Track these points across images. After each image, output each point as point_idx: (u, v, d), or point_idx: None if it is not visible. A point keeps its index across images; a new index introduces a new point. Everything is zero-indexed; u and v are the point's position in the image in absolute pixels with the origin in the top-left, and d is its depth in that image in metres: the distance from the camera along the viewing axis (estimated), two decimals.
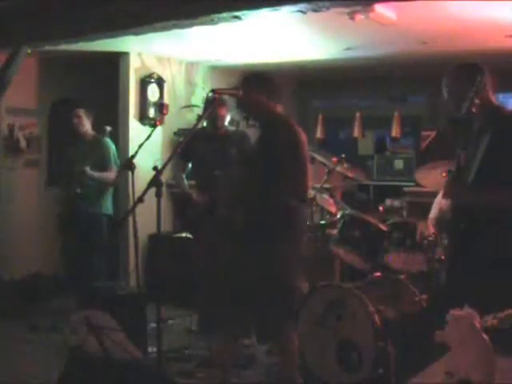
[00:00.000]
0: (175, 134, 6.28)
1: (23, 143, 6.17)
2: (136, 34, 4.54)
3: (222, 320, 3.48)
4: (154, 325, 3.18)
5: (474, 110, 2.58)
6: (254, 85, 3.41)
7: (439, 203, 4.05)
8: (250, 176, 3.36)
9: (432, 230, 3.74)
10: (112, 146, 5.25)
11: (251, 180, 3.33)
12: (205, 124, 4.74)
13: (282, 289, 3.26)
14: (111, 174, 5.11)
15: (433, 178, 3.43)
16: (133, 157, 3.69)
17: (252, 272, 3.26)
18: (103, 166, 5.14)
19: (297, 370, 3.40)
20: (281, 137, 3.24)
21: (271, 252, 3.24)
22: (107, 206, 5.25)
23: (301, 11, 3.71)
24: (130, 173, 3.71)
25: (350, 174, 4.50)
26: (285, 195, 3.25)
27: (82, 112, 5.21)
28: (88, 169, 4.98)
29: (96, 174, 5.06)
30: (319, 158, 4.43)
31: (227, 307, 3.39)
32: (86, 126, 5.24)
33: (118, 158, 5.28)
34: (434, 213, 4.13)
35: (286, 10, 3.72)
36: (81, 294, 4.77)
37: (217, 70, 6.79)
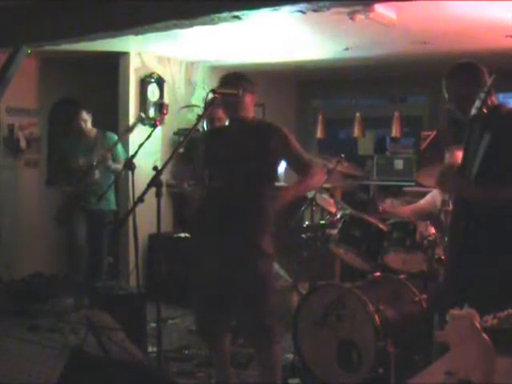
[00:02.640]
0: (175, 133, 6.28)
1: (23, 143, 6.17)
2: (136, 33, 4.54)
3: (211, 321, 3.36)
4: (154, 325, 3.17)
5: (485, 110, 2.54)
6: (246, 84, 3.15)
7: (432, 196, 4.11)
8: (227, 177, 3.22)
9: (407, 211, 3.90)
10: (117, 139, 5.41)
11: (228, 181, 3.21)
12: (205, 125, 4.74)
13: (258, 290, 3.13)
14: (120, 166, 5.24)
15: (433, 177, 3.42)
16: (133, 157, 3.70)
17: (226, 273, 3.16)
18: (113, 158, 5.30)
19: None
20: (266, 140, 3.14)
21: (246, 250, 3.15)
22: (113, 201, 5.37)
23: (301, 11, 3.71)
24: (130, 173, 3.72)
25: (350, 174, 4.50)
26: (262, 197, 3.16)
27: (86, 113, 5.38)
28: (95, 163, 5.15)
29: (110, 164, 5.21)
30: (319, 157, 4.43)
31: (212, 308, 3.25)
32: (89, 124, 5.43)
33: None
34: (421, 202, 4.21)
35: (286, 10, 3.72)
36: (89, 292, 4.84)
37: (217, 70, 6.77)
